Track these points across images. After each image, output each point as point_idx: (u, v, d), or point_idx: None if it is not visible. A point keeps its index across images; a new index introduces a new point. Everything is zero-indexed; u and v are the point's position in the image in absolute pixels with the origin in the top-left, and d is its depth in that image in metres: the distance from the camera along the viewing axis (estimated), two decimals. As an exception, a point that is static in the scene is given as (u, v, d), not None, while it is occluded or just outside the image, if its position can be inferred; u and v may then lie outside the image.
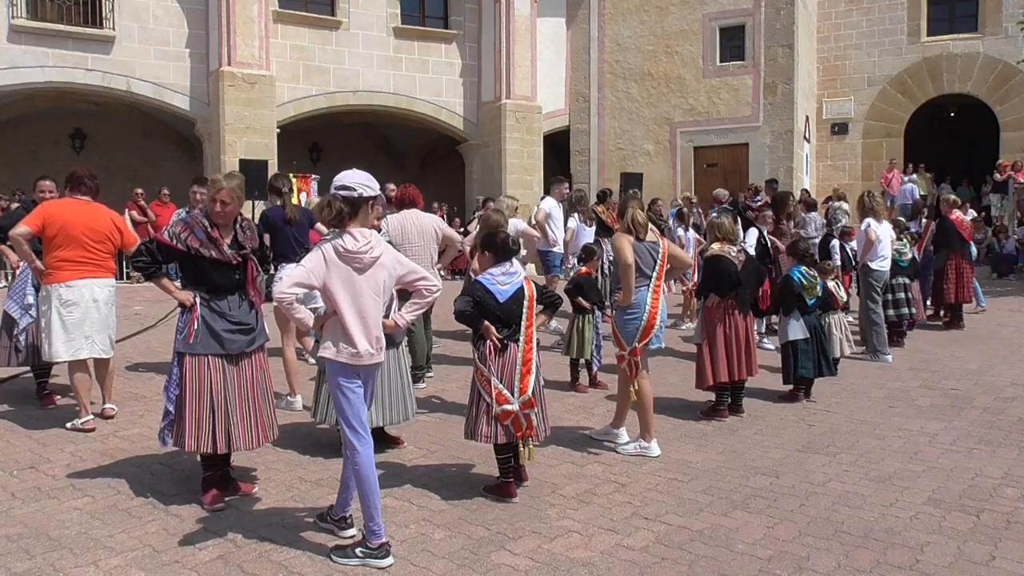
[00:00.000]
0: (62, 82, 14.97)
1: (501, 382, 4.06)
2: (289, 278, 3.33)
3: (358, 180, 3.41)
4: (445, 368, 7.43)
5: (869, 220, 8.17)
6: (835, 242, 9.67)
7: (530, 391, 4.07)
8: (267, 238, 5.63)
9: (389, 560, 3.34)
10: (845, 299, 7.58)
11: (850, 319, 8.77)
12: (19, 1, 14.35)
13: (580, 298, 6.50)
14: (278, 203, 6.25)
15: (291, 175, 10.41)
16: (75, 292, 5.20)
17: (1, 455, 4.73)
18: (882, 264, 8.19)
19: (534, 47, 18.67)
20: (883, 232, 8.21)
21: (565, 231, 9.39)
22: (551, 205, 9.15)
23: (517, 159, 18.37)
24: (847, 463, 4.79)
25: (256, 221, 5.69)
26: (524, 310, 4.13)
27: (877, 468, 4.69)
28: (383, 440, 4.85)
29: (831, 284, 7.14)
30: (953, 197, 11.15)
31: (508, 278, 4.17)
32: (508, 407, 4.02)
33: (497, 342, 4.08)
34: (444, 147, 20.74)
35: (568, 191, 9.50)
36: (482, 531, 3.72)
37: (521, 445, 4.08)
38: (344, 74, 17.23)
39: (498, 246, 4.22)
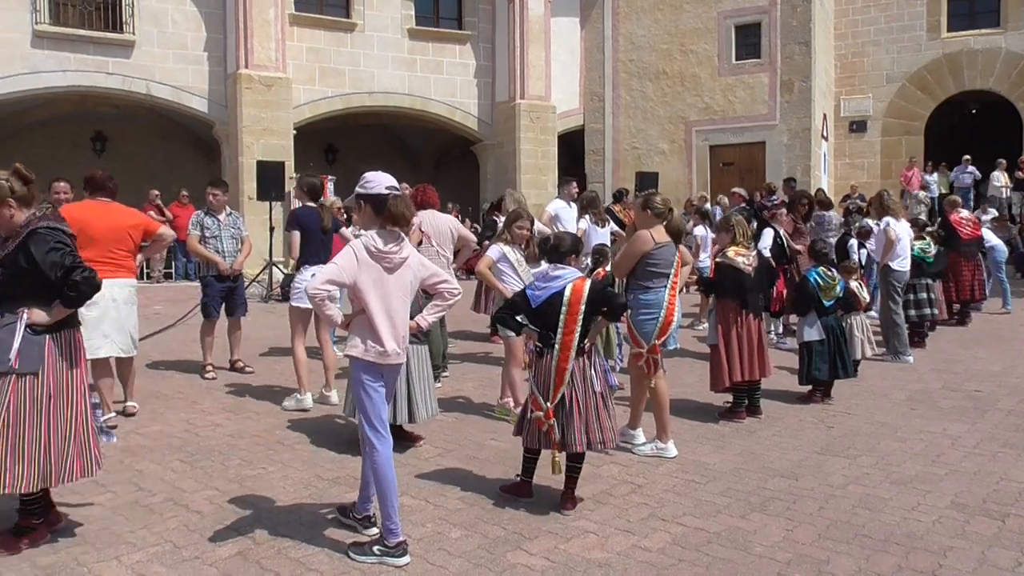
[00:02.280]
0: (83, 86, 15.16)
1: (538, 388, 3.97)
2: (322, 275, 3.35)
3: (392, 182, 3.49)
4: (461, 367, 7.44)
5: (888, 219, 8.08)
6: (852, 241, 9.59)
7: (555, 402, 3.90)
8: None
9: (406, 559, 3.35)
10: (867, 300, 7.51)
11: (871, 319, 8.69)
12: (42, 7, 14.55)
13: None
14: (310, 205, 6.27)
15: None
16: None
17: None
18: (902, 264, 8.11)
19: (548, 47, 18.66)
20: (902, 231, 8.12)
21: (576, 231, 9.35)
22: (558, 207, 9.14)
23: (531, 159, 18.37)
24: (867, 465, 4.74)
25: (285, 221, 5.73)
26: (562, 316, 3.92)
27: (898, 471, 4.64)
28: (402, 437, 4.87)
29: (854, 285, 7.07)
30: (954, 197, 11.13)
31: (546, 282, 4.02)
32: (539, 414, 3.94)
33: (535, 346, 4.03)
34: (458, 147, 20.79)
35: (576, 191, 9.47)
36: (498, 531, 3.72)
37: (554, 455, 3.92)
38: (359, 75, 17.32)
39: (540, 246, 4.22)
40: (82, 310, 5.17)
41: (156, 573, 3.26)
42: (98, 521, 3.76)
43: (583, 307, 3.92)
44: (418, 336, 4.59)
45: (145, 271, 13.17)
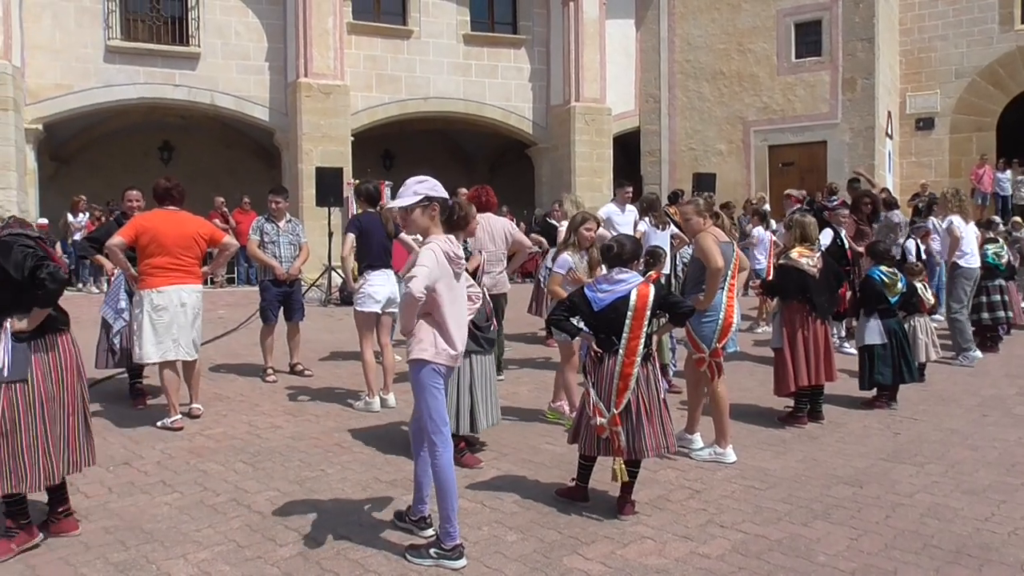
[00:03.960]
0: (152, 98, 15.79)
1: (598, 394, 3.90)
2: (423, 277, 3.27)
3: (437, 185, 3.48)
4: (516, 372, 7.45)
5: (952, 218, 7.83)
6: (910, 242, 9.27)
7: (621, 408, 3.84)
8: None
9: (463, 561, 3.37)
10: (931, 302, 7.25)
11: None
12: (114, 23, 15.22)
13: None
14: (371, 211, 6.37)
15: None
16: (165, 297, 5.46)
17: (99, 451, 4.93)
18: (970, 261, 7.84)
19: (603, 49, 18.57)
20: (966, 229, 7.86)
21: (634, 234, 9.28)
22: (610, 211, 9.10)
23: (586, 161, 18.30)
24: (936, 474, 4.57)
25: (345, 226, 5.81)
26: (627, 320, 3.86)
27: (970, 480, 4.46)
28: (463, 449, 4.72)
29: (919, 286, 6.84)
30: None
31: (611, 286, 3.94)
32: (600, 420, 3.86)
33: (595, 351, 3.93)
34: (513, 151, 20.85)
35: (629, 195, 9.39)
36: (554, 535, 3.71)
37: (613, 462, 3.88)
38: (415, 82, 17.55)
39: (603, 253, 4.11)
40: (154, 316, 5.41)
41: (220, 572, 3.35)
42: (166, 520, 3.88)
43: (649, 312, 3.88)
44: (483, 346, 4.62)
45: (209, 277, 13.59)
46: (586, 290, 4.04)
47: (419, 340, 3.41)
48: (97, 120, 17.23)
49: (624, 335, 3.85)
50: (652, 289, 3.94)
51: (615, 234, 9.02)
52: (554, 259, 5.87)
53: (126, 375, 6.38)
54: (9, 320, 3.45)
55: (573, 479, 4.15)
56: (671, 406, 6.10)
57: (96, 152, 18.76)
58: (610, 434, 3.85)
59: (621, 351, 3.85)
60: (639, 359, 3.85)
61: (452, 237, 3.51)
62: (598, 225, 5.88)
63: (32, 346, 3.49)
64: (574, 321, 4.11)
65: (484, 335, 4.65)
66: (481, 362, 4.67)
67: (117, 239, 5.44)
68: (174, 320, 5.48)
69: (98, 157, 18.68)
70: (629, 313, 3.86)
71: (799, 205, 11.19)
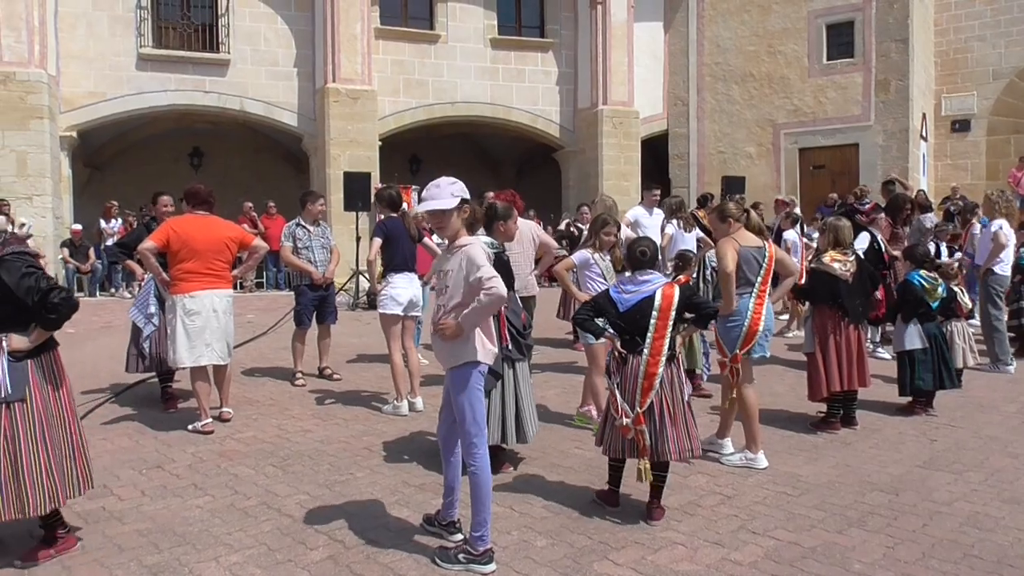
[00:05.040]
0: (183, 104, 16.02)
1: (623, 395, 3.89)
2: (493, 276, 3.26)
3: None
4: (543, 375, 7.42)
5: (1001, 222, 7.65)
6: (931, 244, 9.13)
7: (644, 408, 3.84)
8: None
9: (493, 566, 3.35)
10: (969, 306, 7.09)
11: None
12: (146, 31, 15.49)
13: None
14: (394, 215, 6.40)
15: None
16: (197, 302, 5.49)
17: (131, 454, 5.05)
18: (1004, 268, 7.70)
19: (631, 52, 18.50)
20: (1012, 236, 7.70)
21: (662, 237, 9.22)
22: (637, 213, 9.04)
23: (614, 165, 18.23)
24: (976, 482, 4.46)
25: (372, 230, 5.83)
26: (652, 320, 3.88)
27: (1011, 488, 4.35)
28: (498, 459, 4.62)
29: (957, 290, 6.70)
30: None
31: (636, 287, 3.98)
32: (626, 420, 3.84)
33: (619, 352, 3.93)
34: (540, 155, 20.85)
35: (656, 198, 9.33)
36: (584, 540, 3.67)
37: (639, 462, 3.86)
38: (443, 86, 17.62)
39: (628, 256, 4.12)
40: (187, 320, 5.45)
41: (251, 575, 3.36)
42: (198, 523, 3.90)
43: (674, 312, 3.89)
44: (524, 352, 4.58)
45: (238, 281, 13.75)
46: (611, 291, 4.06)
47: (465, 341, 3.37)
48: (129, 127, 17.54)
49: (649, 335, 3.85)
50: (677, 290, 3.95)
51: (638, 236, 9.00)
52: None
53: (157, 379, 6.44)
54: (5, 338, 3.36)
55: (608, 483, 4.12)
56: (702, 410, 6.08)
57: (128, 158, 19.10)
58: (635, 434, 3.83)
59: (646, 351, 3.85)
60: (663, 359, 3.84)
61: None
62: (618, 229, 5.89)
63: (29, 365, 3.42)
64: (599, 323, 4.09)
65: (524, 341, 4.62)
66: (523, 369, 4.62)
67: (149, 243, 5.50)
68: (207, 325, 5.51)
69: (130, 163, 19.02)
70: (654, 313, 3.87)
71: (788, 209, 11.04)
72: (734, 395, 4.78)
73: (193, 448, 5.15)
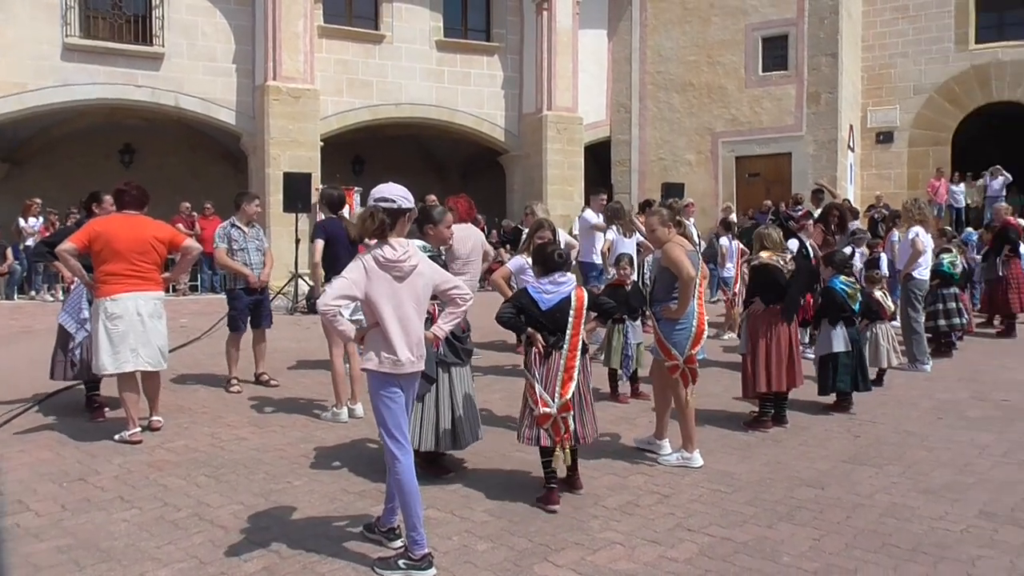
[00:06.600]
0: (113, 99, 15.43)
1: (544, 387, 4.16)
2: (332, 290, 3.36)
3: (396, 192, 3.46)
4: (486, 379, 7.44)
5: (918, 229, 8.02)
6: (848, 248, 9.57)
7: (568, 396, 4.15)
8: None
9: (432, 571, 3.35)
10: (892, 309, 7.44)
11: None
12: (72, 20, 14.83)
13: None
14: (334, 216, 6.32)
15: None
16: (120, 305, 5.25)
17: (52, 467, 4.82)
18: (923, 273, 8.08)
19: (575, 58, 18.71)
20: (928, 242, 8.09)
21: (603, 242, 9.42)
22: (588, 215, 9.25)
23: (558, 170, 18.40)
24: (895, 475, 4.68)
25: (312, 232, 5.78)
26: (570, 318, 4.20)
27: (926, 480, 4.58)
28: (434, 466, 4.64)
29: (878, 294, 7.01)
30: (1005, 205, 11.02)
31: (555, 287, 4.26)
32: (546, 410, 4.12)
33: (542, 348, 4.18)
34: (485, 158, 20.88)
35: (604, 201, 9.55)
36: (525, 543, 3.71)
37: (558, 449, 4.15)
38: (387, 87, 17.48)
39: (544, 258, 4.35)
40: (109, 325, 5.23)
41: (183, 586, 3.26)
42: (124, 538, 3.75)
43: (585, 311, 4.28)
44: (461, 357, 4.59)
45: (171, 284, 13.37)
46: (530, 290, 4.31)
47: (366, 350, 3.43)
48: (54, 121, 16.82)
49: (568, 332, 4.19)
50: (584, 292, 4.35)
51: (568, 240, 9.21)
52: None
53: (83, 387, 6.18)
54: None
55: (544, 485, 4.19)
56: (641, 412, 6.20)
57: (52, 154, 18.29)
58: (556, 422, 4.10)
59: (565, 346, 4.19)
60: (579, 353, 4.24)
61: (401, 241, 3.43)
62: (553, 233, 6.16)
63: None
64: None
65: (462, 346, 4.62)
66: (461, 374, 4.60)
67: (68, 244, 5.25)
68: (131, 329, 5.27)
69: (54, 159, 18.24)
70: (571, 312, 4.21)
71: (724, 216, 11.47)
72: (691, 395, 4.89)
73: (120, 459, 4.96)
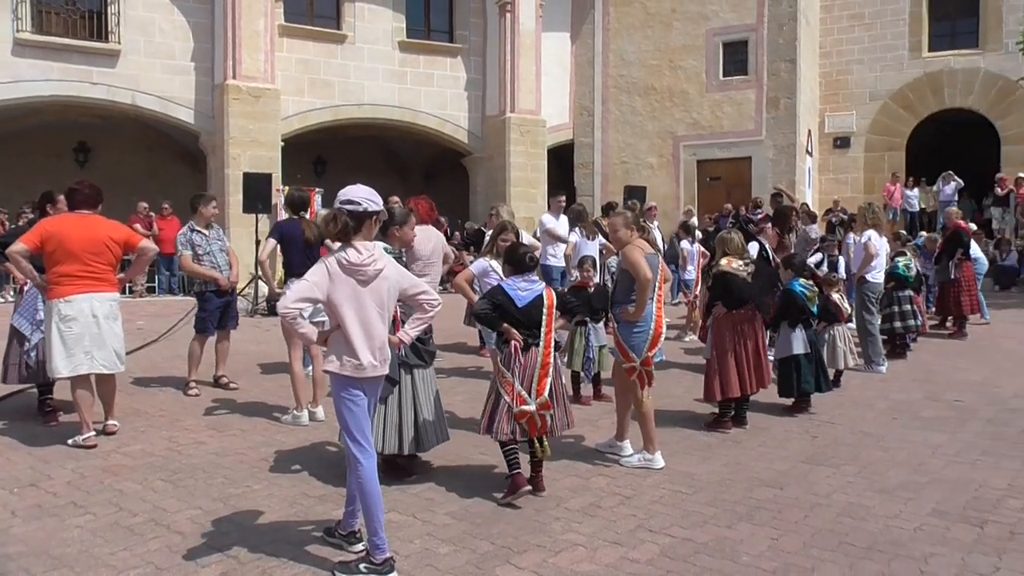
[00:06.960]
0: (67, 96, 15.09)
1: (521, 384, 4.21)
2: (293, 292, 3.33)
3: (362, 195, 3.41)
4: (449, 381, 7.41)
5: (871, 233, 8.19)
6: (818, 255, 9.79)
7: (546, 393, 4.24)
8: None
9: (393, 575, 3.33)
10: (849, 311, 7.60)
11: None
12: (24, 15, 14.46)
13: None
14: (294, 217, 6.25)
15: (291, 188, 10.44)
16: (74, 307, 5.12)
17: (2, 472, 4.70)
18: (877, 276, 8.25)
19: (539, 61, 18.79)
20: (881, 245, 8.26)
21: (566, 245, 9.47)
22: (546, 218, 9.33)
23: (521, 172, 18.44)
24: (851, 474, 4.77)
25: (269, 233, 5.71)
26: (544, 316, 4.30)
27: (881, 479, 4.68)
28: (395, 470, 4.60)
29: (836, 297, 7.15)
30: (956, 210, 11.34)
31: (529, 284, 4.36)
32: (526, 408, 4.18)
33: (520, 343, 4.24)
34: (448, 160, 20.84)
35: (563, 203, 9.63)
36: (487, 545, 3.70)
37: (536, 442, 4.26)
38: (349, 88, 17.35)
39: (517, 260, 4.42)
40: (63, 327, 5.10)
41: (138, 591, 3.21)
42: (77, 544, 3.67)
43: (555, 309, 4.40)
44: (424, 359, 4.56)
45: (127, 285, 13.07)
46: (505, 288, 4.36)
47: (328, 352, 3.41)
48: (4, 117, 16.34)
49: (542, 329, 4.30)
50: (553, 292, 4.49)
51: (532, 242, 9.26)
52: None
53: (36, 391, 6.02)
54: None
55: (507, 475, 4.23)
56: (604, 414, 6.23)
57: (3, 152, 17.75)
58: (533, 418, 4.17)
59: (540, 343, 4.29)
60: (552, 349, 4.35)
61: (367, 244, 3.39)
62: (516, 236, 6.19)
63: None
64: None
65: (425, 347, 4.60)
66: (424, 376, 4.58)
67: (19, 245, 5.10)
68: (85, 331, 5.15)
69: (5, 158, 17.70)
70: (544, 309, 4.33)
71: (685, 219, 11.66)
72: (647, 397, 4.94)
73: (73, 464, 4.84)
